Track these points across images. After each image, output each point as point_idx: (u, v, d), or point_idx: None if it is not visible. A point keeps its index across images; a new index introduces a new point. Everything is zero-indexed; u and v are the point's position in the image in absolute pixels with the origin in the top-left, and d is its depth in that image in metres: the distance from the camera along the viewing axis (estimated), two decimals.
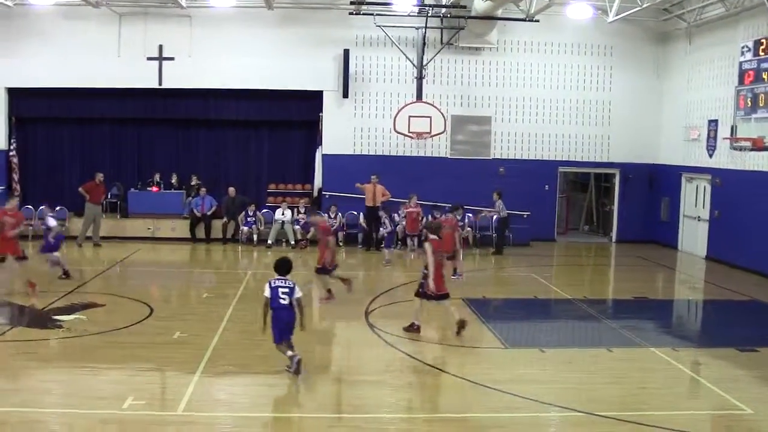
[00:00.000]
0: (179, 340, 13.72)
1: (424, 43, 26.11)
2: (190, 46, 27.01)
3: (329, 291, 17.55)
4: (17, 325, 14.86)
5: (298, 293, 11.83)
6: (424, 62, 26.15)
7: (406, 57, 26.34)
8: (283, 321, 11.73)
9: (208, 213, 26.80)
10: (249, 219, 26.55)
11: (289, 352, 11.75)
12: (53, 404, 10.45)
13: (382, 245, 25.36)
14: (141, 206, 26.97)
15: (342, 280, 17.69)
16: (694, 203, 26.49)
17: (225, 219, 26.82)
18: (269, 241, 26.15)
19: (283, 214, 26.52)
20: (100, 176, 25.79)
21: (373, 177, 25.76)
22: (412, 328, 14.74)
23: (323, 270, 17.40)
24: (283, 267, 12.07)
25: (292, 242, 26.06)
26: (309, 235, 25.29)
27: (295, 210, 26.79)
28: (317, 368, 12.87)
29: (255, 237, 26.35)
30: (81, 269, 21.15)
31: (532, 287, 20.08)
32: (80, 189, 25.49)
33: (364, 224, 26.20)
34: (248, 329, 14.71)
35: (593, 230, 31.70)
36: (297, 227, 26.32)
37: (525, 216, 27.58)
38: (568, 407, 10.55)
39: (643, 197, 28.67)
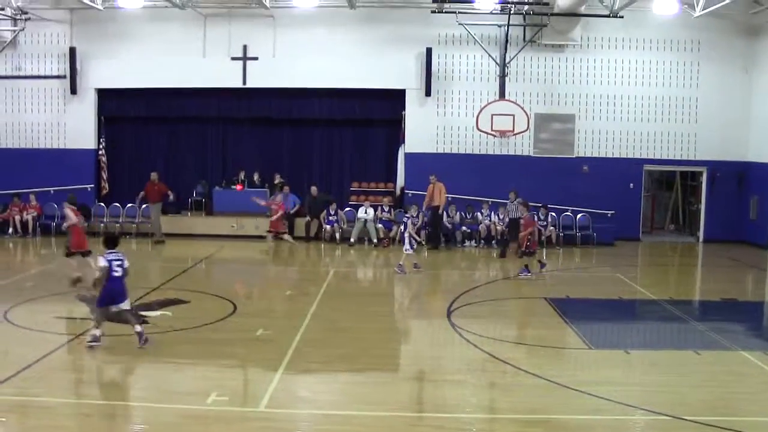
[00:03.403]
0: (262, 338, 13.82)
1: (507, 41, 26.00)
2: (274, 46, 27.29)
3: None
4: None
5: (126, 263, 13.12)
6: (507, 60, 26.04)
7: (489, 55, 26.26)
8: (116, 289, 12.94)
9: (291, 211, 26.95)
10: (331, 217, 26.73)
11: (138, 327, 12.90)
12: (138, 398, 10.64)
13: (441, 243, 25.63)
14: (225, 204, 27.36)
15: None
16: None
17: (308, 217, 26.99)
18: (352, 239, 26.26)
19: (365, 212, 26.59)
20: (153, 175, 26.42)
21: (431, 177, 25.60)
22: None
23: None
24: (112, 241, 13.38)
25: (375, 240, 26.12)
26: (392, 234, 25.51)
27: (379, 208, 26.88)
28: (399, 366, 12.92)
29: (337, 235, 26.51)
30: (163, 266, 21.52)
31: (616, 287, 19.74)
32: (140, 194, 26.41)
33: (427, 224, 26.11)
34: (332, 327, 14.87)
35: (679, 229, 31.07)
36: (379, 226, 26.39)
37: (610, 215, 27.21)
38: (654, 410, 10.32)
39: (731, 196, 27.80)
